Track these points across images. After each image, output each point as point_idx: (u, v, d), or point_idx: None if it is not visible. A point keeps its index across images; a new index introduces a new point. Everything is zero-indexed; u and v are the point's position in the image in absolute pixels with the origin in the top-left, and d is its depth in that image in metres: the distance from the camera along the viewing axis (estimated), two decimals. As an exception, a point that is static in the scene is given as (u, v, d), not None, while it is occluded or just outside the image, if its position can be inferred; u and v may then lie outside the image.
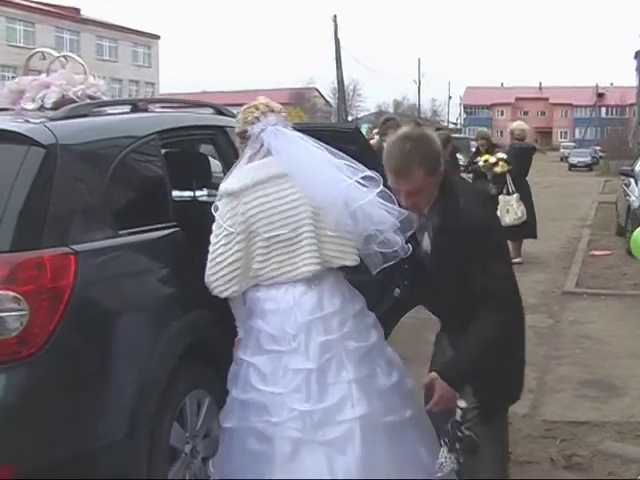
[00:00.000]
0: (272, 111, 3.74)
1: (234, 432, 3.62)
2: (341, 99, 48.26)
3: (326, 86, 77.94)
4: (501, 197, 11.22)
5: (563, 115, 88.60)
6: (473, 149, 12.60)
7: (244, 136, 3.74)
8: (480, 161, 11.49)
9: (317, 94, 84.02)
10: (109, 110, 4.18)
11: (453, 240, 3.24)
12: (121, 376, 3.39)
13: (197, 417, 3.91)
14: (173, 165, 4.23)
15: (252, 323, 3.64)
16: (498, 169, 11.21)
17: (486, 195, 3.58)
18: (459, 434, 3.33)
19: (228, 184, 3.62)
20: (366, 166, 3.79)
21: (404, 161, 3.20)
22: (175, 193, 4.48)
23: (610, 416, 5.35)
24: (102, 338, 3.35)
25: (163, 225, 3.82)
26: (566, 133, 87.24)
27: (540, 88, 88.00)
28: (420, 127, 3.34)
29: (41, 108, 4.07)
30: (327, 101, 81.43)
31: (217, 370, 3.94)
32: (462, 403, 3.38)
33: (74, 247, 3.24)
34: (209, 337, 3.96)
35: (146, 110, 4.31)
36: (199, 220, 3.86)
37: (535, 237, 11.65)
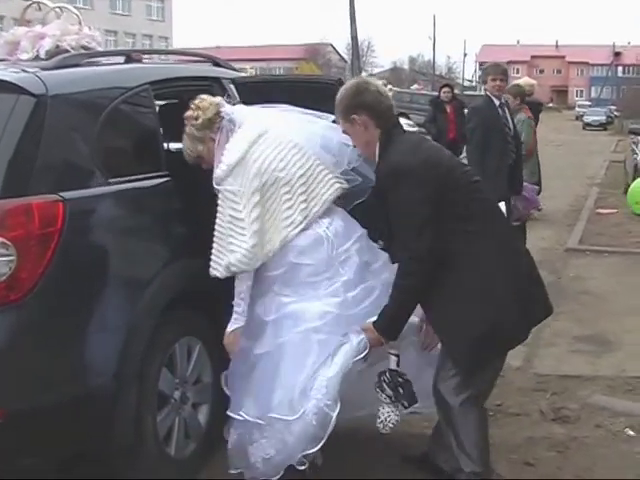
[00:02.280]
0: None
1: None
2: (355, 55, 47.59)
3: (341, 42, 77.34)
4: None
5: (579, 74, 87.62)
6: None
7: (216, 119, 3.77)
8: None
9: (332, 49, 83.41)
10: (102, 60, 4.20)
11: (376, 188, 3.55)
12: (108, 321, 3.46)
13: (187, 364, 3.98)
14: (167, 115, 4.26)
15: (291, 261, 3.68)
16: None
17: (420, 144, 3.47)
18: (399, 379, 3.50)
19: (227, 161, 3.65)
20: None
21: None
22: (170, 144, 4.54)
23: (602, 370, 5.40)
24: (89, 283, 3.40)
25: (154, 174, 3.86)
26: (582, 92, 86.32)
27: (556, 46, 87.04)
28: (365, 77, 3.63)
29: (36, 58, 4.09)
30: (342, 57, 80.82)
31: (210, 318, 4.02)
32: (394, 350, 3.52)
33: (63, 194, 3.29)
34: (201, 285, 4.00)
35: (140, 61, 4.32)
36: (192, 170, 3.91)
37: (538, 193, 11.60)
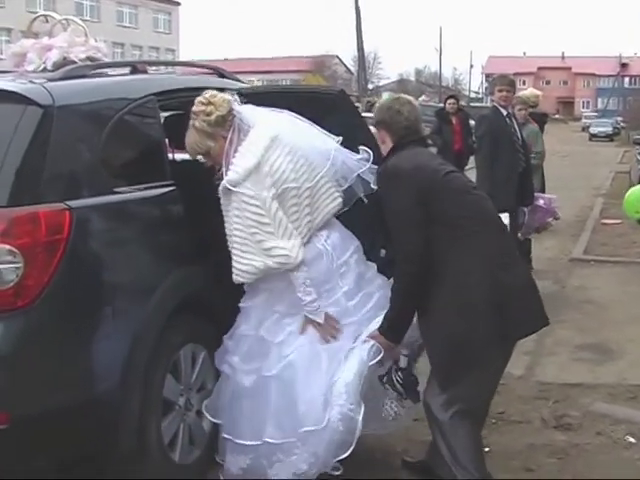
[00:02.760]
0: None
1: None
2: (361, 67, 48.06)
3: (347, 54, 77.53)
4: None
5: (586, 85, 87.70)
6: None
7: (229, 117, 3.76)
8: None
9: (338, 62, 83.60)
10: (108, 72, 4.28)
11: (378, 195, 3.70)
12: (113, 327, 3.51)
13: (192, 370, 4.03)
14: (172, 126, 4.32)
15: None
16: None
17: (420, 155, 3.56)
18: (410, 378, 3.63)
19: (244, 165, 3.65)
20: (354, 137, 3.95)
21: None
22: (176, 154, 4.61)
23: (603, 378, 5.44)
24: (95, 291, 3.47)
25: (159, 183, 3.92)
26: (588, 103, 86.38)
27: (563, 58, 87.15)
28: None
29: (43, 70, 4.17)
30: (348, 69, 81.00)
31: (215, 325, 4.07)
32: (405, 351, 3.62)
33: (69, 203, 3.35)
34: (205, 293, 4.07)
35: (145, 72, 4.39)
36: (196, 179, 3.97)
37: None
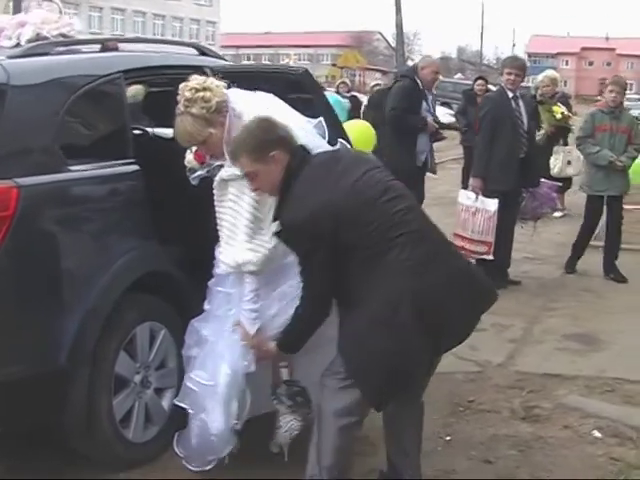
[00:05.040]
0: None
1: None
2: (399, 43, 47.31)
3: (389, 31, 76.83)
4: (559, 148, 10.84)
5: (629, 67, 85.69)
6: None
7: (222, 108, 3.65)
8: (557, 115, 10.58)
9: (379, 37, 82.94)
10: (80, 49, 4.28)
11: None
12: (62, 303, 3.56)
13: (150, 349, 4.05)
14: (153, 103, 4.32)
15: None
16: (570, 120, 10.71)
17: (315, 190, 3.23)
18: (294, 389, 3.56)
19: None
20: (317, 115, 3.91)
21: (234, 146, 3.37)
22: (149, 131, 4.61)
23: (583, 370, 5.34)
24: (42, 267, 3.50)
25: (119, 162, 3.93)
26: (632, 85, 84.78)
27: (607, 38, 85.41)
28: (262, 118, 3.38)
29: (17, 46, 4.18)
30: (389, 44, 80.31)
31: (176, 304, 4.09)
32: (284, 362, 3.61)
33: (18, 180, 3.38)
34: (166, 272, 4.08)
35: (115, 49, 4.38)
36: (161, 157, 3.97)
37: (563, 191, 11.43)
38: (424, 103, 7.86)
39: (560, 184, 8.85)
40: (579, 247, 8.18)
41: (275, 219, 3.31)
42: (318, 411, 3.37)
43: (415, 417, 3.64)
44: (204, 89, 3.65)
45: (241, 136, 3.34)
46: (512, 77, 7.30)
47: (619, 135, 7.69)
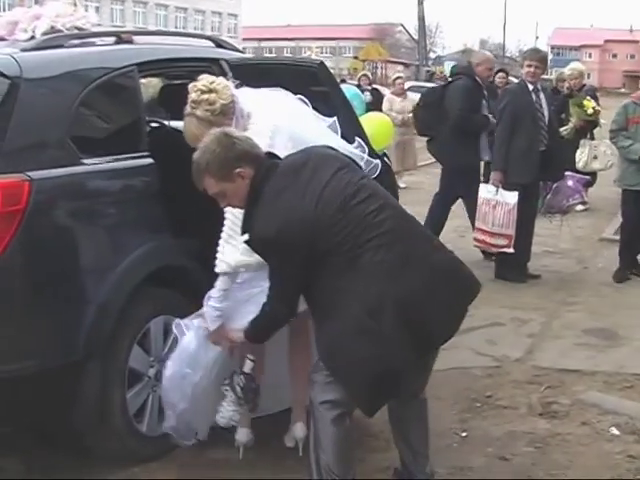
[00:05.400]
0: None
1: None
2: (421, 35, 47.44)
3: (411, 23, 76.47)
4: (586, 142, 10.67)
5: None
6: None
7: (231, 105, 3.64)
8: (589, 109, 10.35)
9: (402, 30, 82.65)
10: (96, 41, 4.26)
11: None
12: (75, 297, 3.55)
13: (164, 342, 4.03)
14: (170, 95, 4.30)
15: None
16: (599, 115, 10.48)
17: (283, 203, 3.13)
18: (252, 385, 3.55)
19: None
20: (333, 108, 3.89)
21: (195, 170, 3.24)
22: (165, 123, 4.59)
23: (602, 366, 5.28)
24: (55, 261, 3.48)
25: (133, 155, 3.91)
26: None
27: (631, 30, 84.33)
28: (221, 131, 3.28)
29: (31, 39, 4.17)
30: (412, 37, 79.99)
31: (191, 298, 4.05)
32: (252, 356, 3.58)
33: (30, 174, 3.37)
34: (180, 266, 4.06)
35: (130, 42, 4.37)
36: (177, 150, 3.94)
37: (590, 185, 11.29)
38: (483, 101, 7.81)
39: (588, 177, 8.70)
40: (627, 250, 7.57)
41: (243, 232, 3.23)
42: (311, 406, 3.36)
43: (419, 415, 3.60)
44: (210, 91, 3.62)
45: (202, 157, 3.20)
46: (532, 69, 7.24)
47: None
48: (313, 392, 3.31)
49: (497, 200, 7.11)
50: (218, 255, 3.61)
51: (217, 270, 3.61)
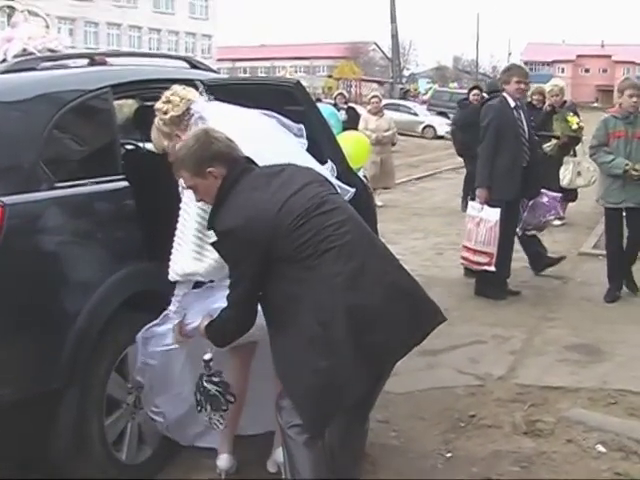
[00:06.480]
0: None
1: None
2: (395, 53, 47.63)
3: (385, 42, 76.79)
4: (569, 159, 10.64)
5: (626, 73, 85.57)
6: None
7: (184, 117, 3.75)
8: (573, 125, 10.27)
9: (375, 48, 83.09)
10: (68, 63, 4.20)
11: None
12: (49, 324, 3.45)
13: (142, 369, 3.95)
14: (142, 117, 4.25)
15: None
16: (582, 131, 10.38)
17: (251, 201, 3.18)
18: (209, 387, 3.52)
19: None
20: (310, 127, 3.85)
21: (175, 161, 3.40)
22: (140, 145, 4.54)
23: (585, 382, 5.25)
24: (30, 288, 3.40)
25: (107, 178, 3.84)
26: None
27: (602, 46, 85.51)
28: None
29: (3, 61, 4.12)
30: (385, 55, 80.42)
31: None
32: (207, 355, 3.55)
33: (2, 199, 3.29)
34: (158, 291, 3.98)
35: (104, 64, 4.31)
36: (152, 172, 3.89)
37: (575, 200, 11.32)
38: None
39: (561, 195, 8.69)
40: (615, 271, 7.37)
41: (209, 228, 3.28)
42: (281, 432, 3.33)
43: (357, 444, 3.55)
44: (167, 101, 3.80)
45: (181, 151, 3.35)
46: (522, 86, 7.22)
47: (635, 142, 7.02)
48: (281, 418, 3.29)
49: (481, 217, 7.08)
50: (170, 263, 3.64)
51: (169, 278, 3.64)
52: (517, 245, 7.64)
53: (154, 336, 3.77)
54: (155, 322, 3.75)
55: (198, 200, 3.41)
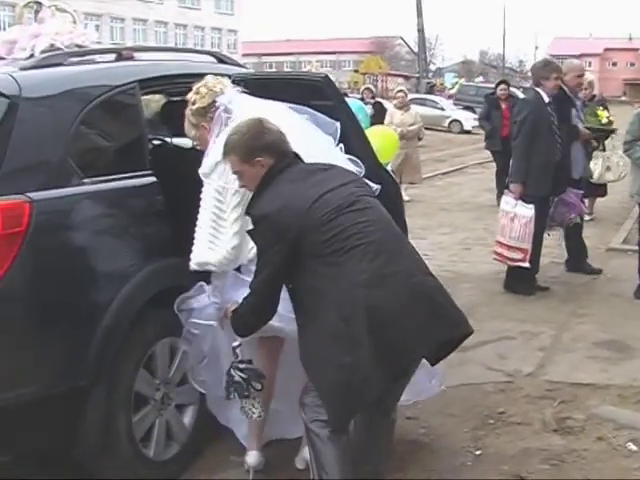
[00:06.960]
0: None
1: None
2: (421, 47, 47.44)
3: (411, 36, 76.50)
4: (598, 153, 10.53)
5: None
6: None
7: (210, 108, 3.78)
8: (603, 119, 10.41)
9: (401, 42, 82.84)
10: (90, 59, 4.20)
11: None
12: (77, 320, 3.46)
13: (170, 365, 3.96)
14: (171, 112, 4.26)
15: None
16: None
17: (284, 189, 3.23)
18: (234, 373, 3.52)
19: (213, 156, 3.62)
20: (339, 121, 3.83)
21: (226, 144, 3.41)
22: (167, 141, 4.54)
23: (615, 379, 5.17)
24: (57, 284, 3.40)
25: (135, 173, 3.84)
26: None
27: (630, 39, 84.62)
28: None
29: (30, 57, 4.11)
30: (411, 49, 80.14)
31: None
32: (236, 342, 3.55)
33: (30, 195, 3.29)
34: (184, 286, 3.96)
35: (131, 59, 4.31)
36: (180, 167, 3.88)
37: (604, 195, 11.18)
38: (573, 110, 7.65)
39: (582, 192, 8.58)
40: None
41: (247, 213, 3.34)
42: (305, 429, 3.34)
43: (386, 433, 3.54)
44: (195, 92, 3.85)
45: (233, 137, 3.38)
46: (560, 82, 7.16)
47: None
48: (305, 414, 3.30)
49: (515, 212, 7.01)
50: (190, 255, 3.69)
51: (190, 268, 3.70)
52: (544, 240, 7.54)
53: (193, 309, 3.80)
54: (188, 293, 3.79)
55: (241, 187, 3.46)
